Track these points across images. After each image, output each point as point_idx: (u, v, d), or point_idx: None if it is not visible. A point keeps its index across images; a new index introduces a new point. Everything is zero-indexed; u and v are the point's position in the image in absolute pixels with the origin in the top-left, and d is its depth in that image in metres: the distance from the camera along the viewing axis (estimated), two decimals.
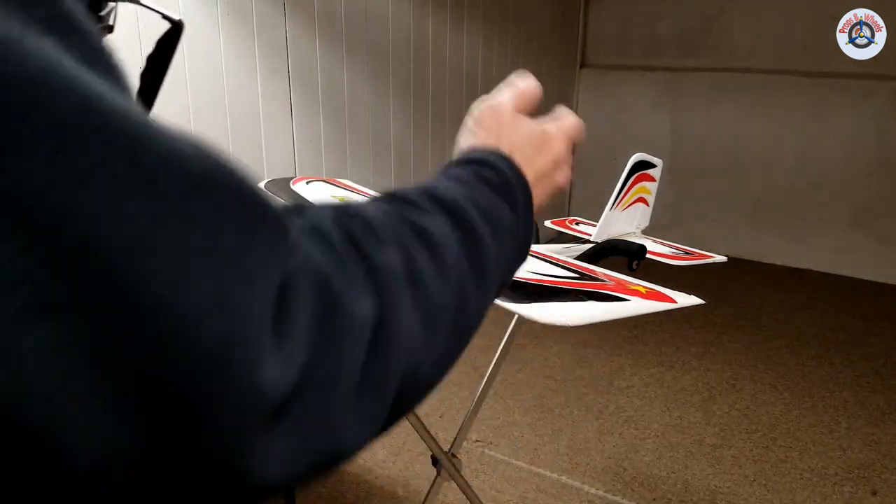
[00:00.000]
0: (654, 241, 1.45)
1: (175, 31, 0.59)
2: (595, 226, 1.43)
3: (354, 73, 2.71)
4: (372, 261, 0.34)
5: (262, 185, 1.49)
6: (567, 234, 1.54)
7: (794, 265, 4.16)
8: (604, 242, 1.37)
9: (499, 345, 1.48)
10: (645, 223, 1.51)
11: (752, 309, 3.46)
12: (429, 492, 1.52)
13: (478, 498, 1.59)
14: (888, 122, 3.75)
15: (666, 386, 2.62)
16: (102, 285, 0.24)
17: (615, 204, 1.42)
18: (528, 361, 2.79)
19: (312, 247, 0.32)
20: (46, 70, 0.24)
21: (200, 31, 2.08)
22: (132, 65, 0.61)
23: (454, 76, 3.32)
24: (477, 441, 2.21)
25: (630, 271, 1.10)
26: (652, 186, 1.48)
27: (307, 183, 1.46)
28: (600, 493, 1.97)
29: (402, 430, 2.24)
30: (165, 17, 0.58)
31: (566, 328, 0.74)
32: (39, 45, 0.24)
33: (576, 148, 0.56)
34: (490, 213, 0.43)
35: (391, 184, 3.04)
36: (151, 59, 0.59)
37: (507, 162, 0.48)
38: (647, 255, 1.31)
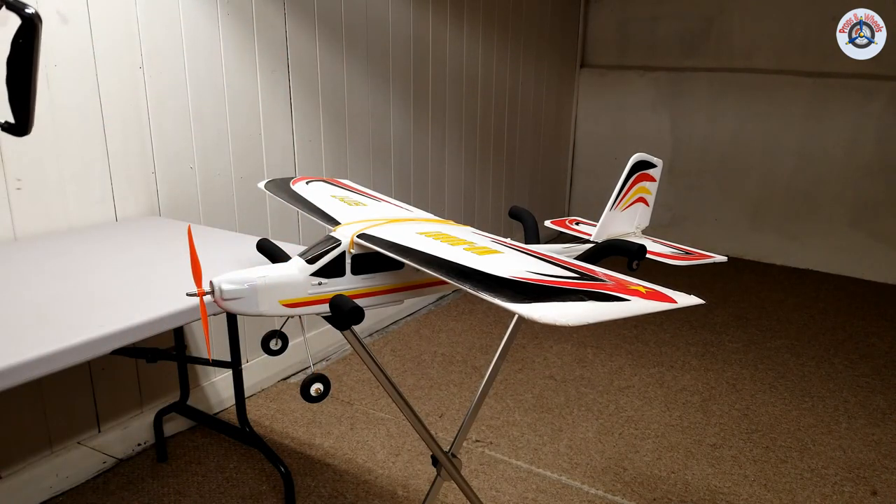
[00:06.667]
0: (654, 241, 1.45)
1: (29, 26, 0.48)
2: (595, 226, 1.43)
3: (354, 73, 2.71)
4: None
5: (262, 185, 1.49)
6: (567, 234, 1.53)
7: (794, 265, 4.16)
8: (604, 242, 1.37)
9: (499, 345, 1.49)
10: (645, 223, 1.51)
11: (752, 309, 3.46)
12: (429, 492, 1.52)
13: (478, 498, 1.59)
14: (888, 122, 3.75)
15: (666, 386, 2.62)
16: None
17: (615, 204, 1.42)
18: (528, 361, 2.79)
19: None
20: None
21: (200, 31, 2.08)
22: None
23: (454, 76, 3.32)
24: (477, 441, 2.21)
25: (630, 271, 1.09)
26: (652, 186, 1.48)
27: (307, 183, 1.45)
28: (600, 493, 1.97)
29: (402, 430, 2.25)
30: (12, 7, 0.48)
31: (566, 328, 0.74)
32: None
33: None
34: None
35: (391, 184, 3.04)
36: (12, 63, 0.49)
37: None
38: (647, 255, 1.31)
